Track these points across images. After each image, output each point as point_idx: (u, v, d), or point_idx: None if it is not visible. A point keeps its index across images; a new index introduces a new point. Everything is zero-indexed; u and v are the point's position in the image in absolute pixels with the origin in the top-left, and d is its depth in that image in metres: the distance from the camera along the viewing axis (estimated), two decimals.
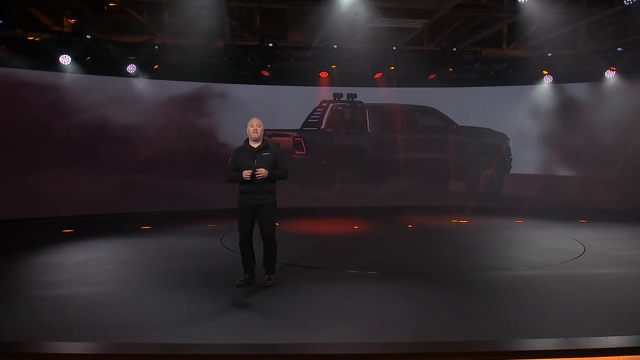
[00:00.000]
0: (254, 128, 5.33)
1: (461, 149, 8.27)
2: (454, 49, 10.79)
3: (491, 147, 8.42)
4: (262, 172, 5.15)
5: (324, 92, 12.36)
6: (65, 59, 9.87)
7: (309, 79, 11.67)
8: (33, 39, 9.70)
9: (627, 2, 7.49)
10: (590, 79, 12.01)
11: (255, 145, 5.35)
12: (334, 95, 10.60)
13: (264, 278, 5.43)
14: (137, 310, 4.67)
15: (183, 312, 4.60)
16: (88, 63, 10.19)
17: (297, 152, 9.68)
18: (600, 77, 11.51)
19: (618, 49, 10.90)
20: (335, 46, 10.34)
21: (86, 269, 6.13)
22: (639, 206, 10.92)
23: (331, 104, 10.59)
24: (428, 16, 9.72)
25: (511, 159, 8.53)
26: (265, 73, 10.92)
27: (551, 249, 7.23)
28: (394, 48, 10.68)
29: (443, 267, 6.37)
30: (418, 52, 11.34)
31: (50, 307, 4.74)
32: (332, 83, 11.62)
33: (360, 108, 10.45)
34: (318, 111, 10.84)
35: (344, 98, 10.83)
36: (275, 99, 11.46)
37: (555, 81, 11.95)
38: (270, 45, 10.12)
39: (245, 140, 5.44)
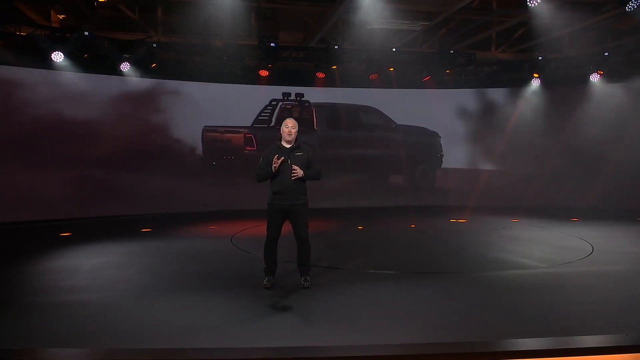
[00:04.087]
0: (289, 129, 5.25)
1: (400, 146, 8.53)
2: (452, 51, 10.96)
3: (427, 144, 8.88)
4: (298, 171, 5.08)
5: (323, 93, 12.34)
6: (57, 56, 9.53)
7: (306, 80, 11.66)
8: (25, 35, 9.31)
9: (629, 8, 7.74)
10: (577, 82, 12.46)
11: (287, 145, 5.28)
12: (283, 94, 10.84)
13: (300, 280, 5.38)
14: (177, 315, 4.53)
15: (225, 317, 4.49)
16: (82, 60, 9.88)
17: (248, 148, 9.99)
18: (586, 80, 11.96)
19: (605, 53, 11.33)
20: (336, 47, 10.35)
21: (108, 273, 5.91)
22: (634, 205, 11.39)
23: (280, 103, 10.79)
24: (429, 18, 9.85)
25: (442, 155, 8.79)
26: (264, 73, 10.83)
27: (564, 247, 7.44)
28: (394, 50, 10.77)
29: (466, 266, 6.43)
30: (414, 53, 11.47)
31: (86, 312, 4.57)
32: (330, 83, 11.64)
33: (307, 107, 10.72)
34: (268, 109, 11.06)
35: (292, 97, 11.02)
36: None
37: (544, 84, 12.33)
38: (273, 45, 10.02)
39: (278, 140, 5.36)
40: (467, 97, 10.68)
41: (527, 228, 9.37)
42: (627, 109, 11.94)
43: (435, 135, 8.78)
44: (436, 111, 10.39)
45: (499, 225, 9.69)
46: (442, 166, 8.65)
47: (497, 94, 11.42)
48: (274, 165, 5.01)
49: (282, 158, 5.06)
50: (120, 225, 9.71)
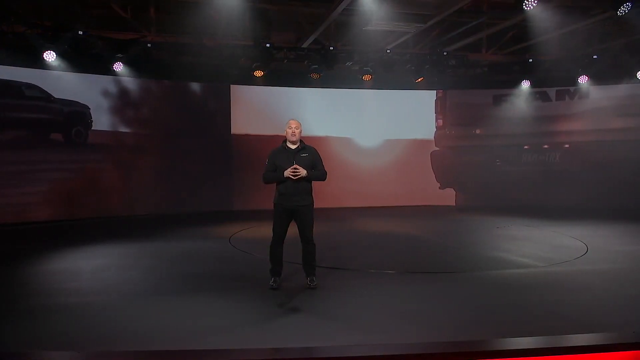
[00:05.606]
0: (292, 130, 5.27)
1: (58, 113, 10.70)
2: (445, 53, 11.06)
3: (79, 112, 10.93)
4: (301, 170, 5.11)
5: (315, 94, 12.41)
6: (49, 55, 9.39)
7: (300, 80, 11.69)
8: (17, 34, 9.13)
9: (621, 12, 7.90)
10: (565, 84, 12.74)
11: (293, 146, 5.30)
12: None
13: (305, 280, 5.40)
14: (186, 317, 4.51)
15: (235, 318, 4.49)
16: (75, 60, 9.76)
17: None
18: (574, 82, 12.22)
19: (594, 57, 11.56)
20: (331, 48, 10.37)
21: (110, 275, 5.87)
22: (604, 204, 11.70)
23: None
24: (423, 20, 9.90)
25: (92, 121, 10.95)
26: (258, 73, 10.79)
27: (559, 246, 7.59)
28: (388, 51, 10.84)
29: (465, 265, 6.51)
30: (407, 54, 11.55)
31: (94, 315, 4.53)
32: (324, 84, 11.71)
33: None
34: None
35: None
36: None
37: (533, 85, 12.58)
38: (268, 45, 10.00)
39: (283, 142, 5.37)
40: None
41: (520, 227, 9.51)
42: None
43: (86, 107, 10.92)
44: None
45: (492, 224, 9.85)
46: (92, 129, 10.93)
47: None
48: (286, 175, 5.07)
49: (295, 165, 5.10)
50: (114, 227, 9.63)
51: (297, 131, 5.28)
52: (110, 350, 3.83)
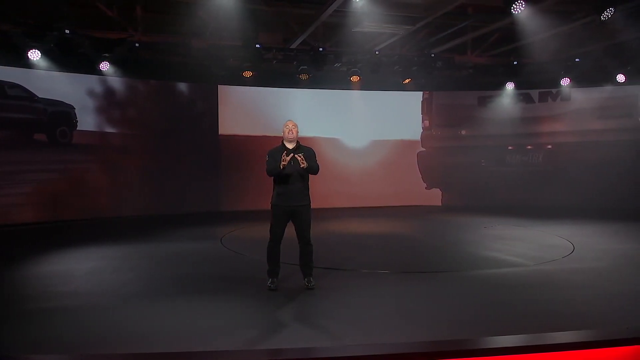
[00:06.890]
0: (289, 129, 5.33)
1: (42, 113, 10.61)
2: (432, 55, 11.19)
3: (63, 112, 10.86)
4: (302, 161, 5.13)
5: (304, 95, 12.44)
6: (34, 54, 9.24)
7: (288, 81, 11.72)
8: (2, 31, 8.97)
9: (604, 17, 8.09)
10: (549, 86, 13.01)
11: (290, 146, 5.34)
12: None
13: (303, 281, 5.42)
14: (186, 319, 4.50)
15: (236, 319, 4.50)
16: (60, 59, 9.62)
17: None
18: (557, 84, 12.49)
19: (576, 59, 11.81)
20: (321, 49, 10.40)
21: (106, 278, 5.81)
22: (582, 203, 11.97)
23: None
24: (412, 22, 10.00)
25: (77, 121, 10.85)
26: (247, 74, 10.78)
27: (547, 245, 7.75)
28: (376, 52, 10.91)
29: (458, 265, 6.61)
30: (395, 56, 11.64)
31: (93, 317, 4.48)
32: (314, 84, 11.75)
33: None
34: None
35: None
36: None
37: (517, 87, 12.81)
38: (258, 46, 9.99)
39: (281, 142, 5.40)
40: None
41: (507, 227, 9.67)
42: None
43: (71, 107, 10.86)
44: None
45: (480, 223, 10.00)
46: (77, 129, 10.84)
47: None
48: (282, 163, 5.07)
49: (291, 155, 5.12)
50: (102, 228, 9.53)
51: (294, 130, 5.34)
52: (106, 353, 3.80)
